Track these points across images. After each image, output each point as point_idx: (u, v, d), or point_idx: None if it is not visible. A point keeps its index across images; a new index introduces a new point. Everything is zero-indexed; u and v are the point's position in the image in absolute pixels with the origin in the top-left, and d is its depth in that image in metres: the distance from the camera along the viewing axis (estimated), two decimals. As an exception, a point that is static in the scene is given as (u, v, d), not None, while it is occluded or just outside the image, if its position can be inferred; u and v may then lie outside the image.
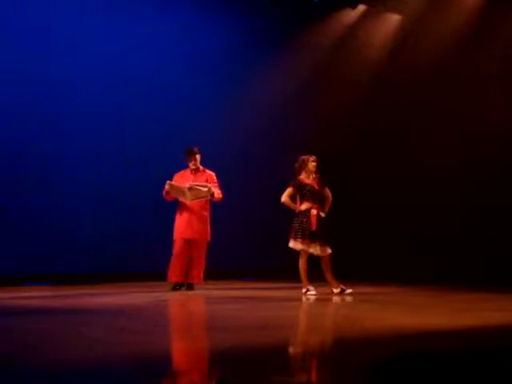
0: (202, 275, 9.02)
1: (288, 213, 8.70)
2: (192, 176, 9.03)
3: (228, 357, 4.07)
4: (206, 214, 9.08)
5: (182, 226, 8.92)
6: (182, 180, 9.00)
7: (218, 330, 5.14)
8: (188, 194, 8.81)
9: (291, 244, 8.41)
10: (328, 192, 8.62)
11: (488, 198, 11.79)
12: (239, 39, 11.99)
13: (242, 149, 11.90)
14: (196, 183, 8.95)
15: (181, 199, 8.93)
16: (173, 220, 9.03)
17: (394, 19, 12.91)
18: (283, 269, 11.08)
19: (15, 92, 9.81)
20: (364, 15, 12.83)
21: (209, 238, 9.04)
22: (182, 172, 9.17)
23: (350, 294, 8.36)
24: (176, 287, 8.90)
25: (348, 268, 9.78)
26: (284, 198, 8.50)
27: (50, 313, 6.50)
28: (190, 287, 8.96)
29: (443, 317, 6.17)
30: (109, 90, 10.65)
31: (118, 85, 10.74)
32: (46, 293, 8.49)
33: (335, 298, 8.07)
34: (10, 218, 9.73)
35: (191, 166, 9.09)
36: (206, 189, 8.85)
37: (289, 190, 8.51)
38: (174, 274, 8.87)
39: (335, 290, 8.46)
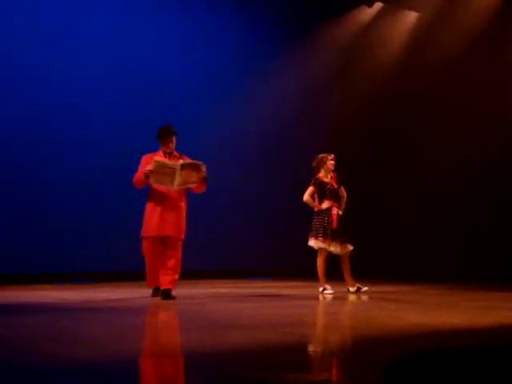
0: (175, 280, 7.39)
1: (304, 211, 8.70)
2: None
3: (246, 354, 4.07)
4: (183, 204, 7.48)
5: (155, 220, 7.30)
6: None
7: (236, 328, 5.15)
8: (178, 175, 7.14)
9: (311, 243, 8.42)
10: (343, 191, 8.63)
11: (506, 197, 11.72)
12: (253, 36, 11.95)
13: (259, 144, 11.84)
14: (188, 161, 7.31)
15: (157, 186, 7.31)
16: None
17: (410, 17, 12.85)
18: (298, 268, 11.08)
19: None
20: (380, 13, 12.78)
21: (183, 236, 7.44)
22: (150, 155, 7.49)
23: (366, 292, 8.35)
24: (156, 293, 7.47)
25: (365, 266, 9.74)
26: (306, 197, 8.51)
27: (59, 310, 6.54)
28: (165, 295, 7.28)
29: (461, 315, 6.15)
30: (118, 86, 10.52)
31: (127, 81, 10.60)
32: (53, 291, 8.52)
33: (352, 297, 8.05)
34: (12, 215, 9.71)
35: (165, 148, 7.45)
36: (201, 163, 7.21)
37: (311, 189, 8.51)
38: (153, 278, 7.43)
39: (351, 289, 8.45)
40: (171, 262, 7.29)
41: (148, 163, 7.26)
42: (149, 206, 7.38)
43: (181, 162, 7.17)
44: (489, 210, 11.87)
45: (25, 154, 9.80)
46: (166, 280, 7.28)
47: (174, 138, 7.45)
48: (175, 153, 7.50)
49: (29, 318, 5.92)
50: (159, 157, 7.34)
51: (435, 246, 12.09)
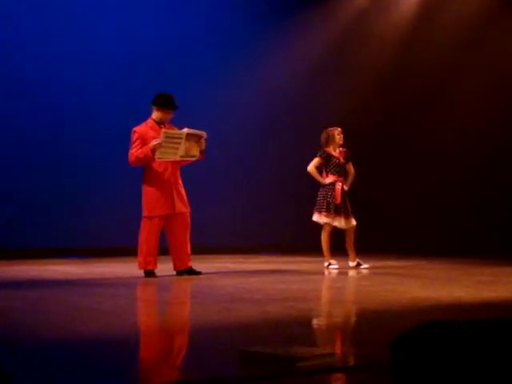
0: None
1: (310, 186, 8.69)
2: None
3: (252, 328, 4.09)
4: (179, 176, 7.17)
5: (164, 198, 6.94)
6: (155, 137, 6.87)
7: (242, 302, 5.17)
8: (183, 144, 6.80)
9: (315, 217, 8.41)
10: (351, 167, 8.58)
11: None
12: (258, 9, 11.81)
13: (264, 118, 11.78)
14: (192, 130, 6.89)
15: (161, 159, 6.84)
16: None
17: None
18: (304, 242, 11.09)
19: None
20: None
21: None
22: (143, 126, 7.02)
23: (366, 268, 8.32)
24: (152, 273, 7.04)
25: (369, 241, 9.75)
26: (310, 167, 8.46)
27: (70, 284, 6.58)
28: (194, 272, 7.22)
29: (466, 289, 6.15)
30: (118, 62, 10.48)
31: (128, 56, 10.56)
32: (60, 266, 8.56)
33: (351, 272, 8.05)
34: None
35: (163, 117, 7.02)
36: (203, 133, 6.90)
37: (316, 160, 8.45)
38: (153, 259, 7.05)
39: (351, 264, 8.42)
40: (187, 237, 7.11)
41: (146, 136, 6.89)
42: (151, 184, 6.96)
43: (185, 130, 6.81)
44: (497, 183, 11.80)
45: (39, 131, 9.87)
46: (188, 258, 7.16)
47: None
48: (167, 124, 7.10)
49: (36, 291, 5.96)
50: (155, 129, 6.94)
51: (440, 220, 12.07)
